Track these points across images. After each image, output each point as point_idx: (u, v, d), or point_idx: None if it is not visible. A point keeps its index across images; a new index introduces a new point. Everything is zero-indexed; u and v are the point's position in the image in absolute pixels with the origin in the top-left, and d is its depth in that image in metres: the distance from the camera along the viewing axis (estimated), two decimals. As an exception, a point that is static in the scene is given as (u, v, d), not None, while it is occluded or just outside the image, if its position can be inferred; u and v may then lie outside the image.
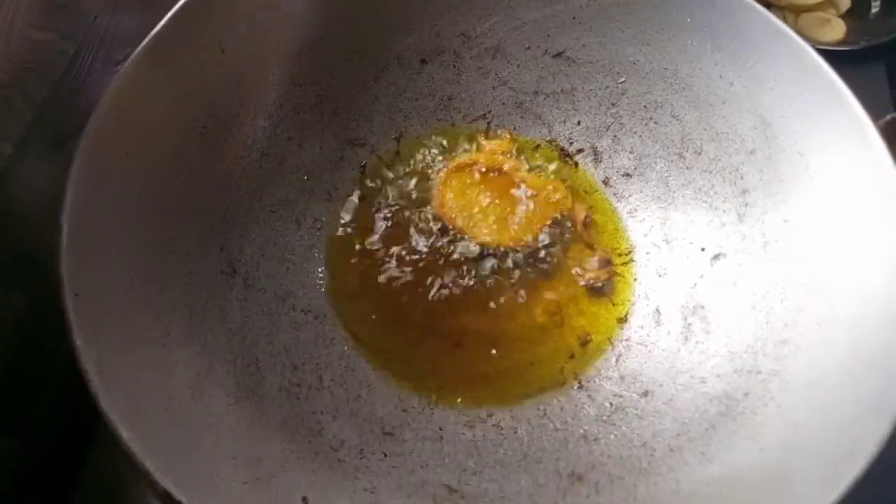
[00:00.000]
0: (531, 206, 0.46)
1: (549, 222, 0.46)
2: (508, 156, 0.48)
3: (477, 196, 0.46)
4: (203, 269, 0.38)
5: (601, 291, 0.45)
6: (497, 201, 0.46)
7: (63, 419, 0.38)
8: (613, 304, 0.44)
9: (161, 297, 0.34)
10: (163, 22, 0.37)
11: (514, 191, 0.47)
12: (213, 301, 0.37)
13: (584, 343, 0.43)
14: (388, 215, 0.46)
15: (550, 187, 0.47)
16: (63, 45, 0.39)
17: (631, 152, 0.48)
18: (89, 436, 0.39)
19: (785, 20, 0.60)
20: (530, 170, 0.48)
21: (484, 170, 0.47)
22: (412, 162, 0.48)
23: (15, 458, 0.35)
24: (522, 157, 0.49)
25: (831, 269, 0.38)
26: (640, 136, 0.48)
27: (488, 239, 0.45)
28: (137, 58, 0.36)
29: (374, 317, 0.42)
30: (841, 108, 0.38)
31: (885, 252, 0.35)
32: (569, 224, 0.46)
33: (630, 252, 0.46)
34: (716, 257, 0.43)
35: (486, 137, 0.49)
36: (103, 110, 0.34)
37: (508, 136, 0.49)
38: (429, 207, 0.46)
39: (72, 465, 0.38)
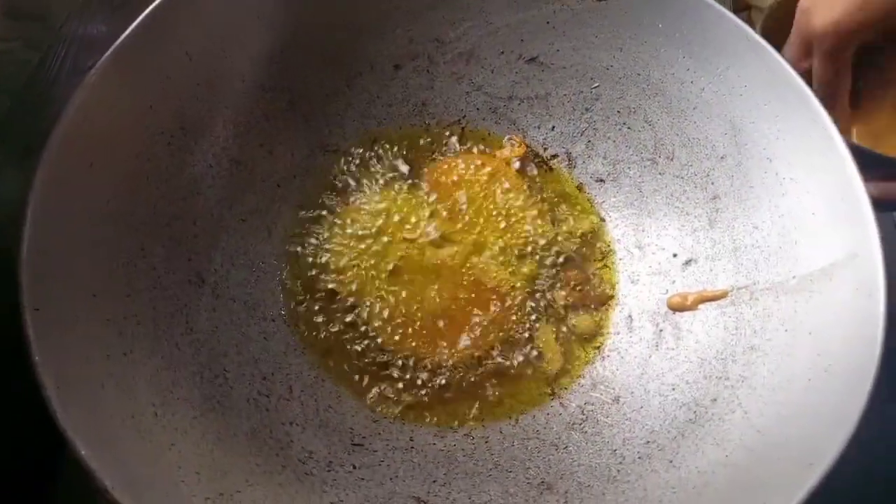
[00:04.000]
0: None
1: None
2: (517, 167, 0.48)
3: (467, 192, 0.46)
4: (170, 281, 0.37)
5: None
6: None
7: (29, 439, 0.38)
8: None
9: (125, 310, 0.34)
10: (128, 31, 0.37)
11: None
12: (180, 313, 0.37)
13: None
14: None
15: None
16: (27, 55, 0.39)
17: (605, 158, 0.48)
18: (59, 455, 0.38)
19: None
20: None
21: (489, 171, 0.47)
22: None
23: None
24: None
25: (798, 275, 0.38)
26: (614, 141, 0.48)
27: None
28: (101, 67, 0.35)
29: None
30: (808, 115, 0.39)
31: (850, 259, 0.36)
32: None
33: (606, 257, 0.46)
34: (687, 263, 0.44)
35: (497, 146, 0.49)
36: (66, 121, 0.34)
37: (518, 142, 0.49)
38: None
39: (41, 484, 0.37)
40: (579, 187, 0.48)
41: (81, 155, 0.34)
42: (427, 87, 0.49)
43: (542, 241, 0.45)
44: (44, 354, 0.28)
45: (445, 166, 0.47)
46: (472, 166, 0.47)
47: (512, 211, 0.46)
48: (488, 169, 0.47)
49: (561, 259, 0.45)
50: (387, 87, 0.48)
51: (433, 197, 0.45)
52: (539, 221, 0.46)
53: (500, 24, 0.48)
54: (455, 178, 0.46)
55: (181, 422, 0.32)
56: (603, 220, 0.47)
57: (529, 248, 0.45)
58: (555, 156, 0.49)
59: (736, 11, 0.59)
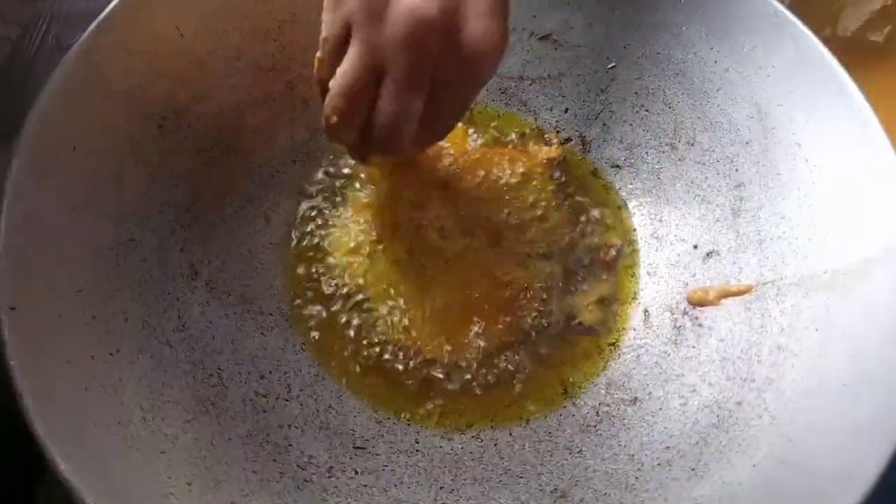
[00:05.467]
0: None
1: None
2: (549, 167, 0.45)
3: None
4: (160, 274, 0.35)
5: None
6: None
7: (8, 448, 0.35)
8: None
9: (111, 307, 0.32)
10: (113, 3, 0.34)
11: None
12: (172, 308, 0.35)
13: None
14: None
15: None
16: (5, 30, 0.36)
17: (621, 142, 0.45)
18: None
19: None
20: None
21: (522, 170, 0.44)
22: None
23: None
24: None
25: (830, 270, 0.35)
26: (631, 124, 0.45)
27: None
28: (84, 44, 0.33)
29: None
30: (841, 98, 0.36)
31: (887, 254, 0.33)
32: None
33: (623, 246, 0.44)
34: (709, 255, 0.41)
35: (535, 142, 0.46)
36: (45, 103, 0.31)
37: (557, 143, 0.46)
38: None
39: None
40: (594, 172, 0.46)
41: (63, 139, 0.32)
42: (433, 66, 0.46)
43: (564, 244, 0.43)
44: (21, 358, 0.26)
45: (470, 158, 0.44)
46: (500, 161, 0.44)
47: (536, 211, 0.43)
48: (517, 166, 0.44)
49: (583, 262, 0.43)
50: (391, 66, 0.46)
51: (450, 188, 0.43)
52: (564, 224, 0.43)
53: (511, -2, 0.45)
54: (480, 171, 0.44)
55: (171, 427, 0.30)
56: (621, 206, 0.44)
57: (551, 250, 0.42)
58: (568, 139, 0.47)
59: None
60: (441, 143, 0.43)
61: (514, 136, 0.46)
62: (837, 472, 0.28)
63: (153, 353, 0.32)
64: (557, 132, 0.47)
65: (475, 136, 0.46)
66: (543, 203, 0.43)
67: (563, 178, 0.45)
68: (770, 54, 0.39)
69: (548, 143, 0.46)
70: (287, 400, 0.36)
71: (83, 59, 0.33)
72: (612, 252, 0.43)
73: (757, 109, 0.40)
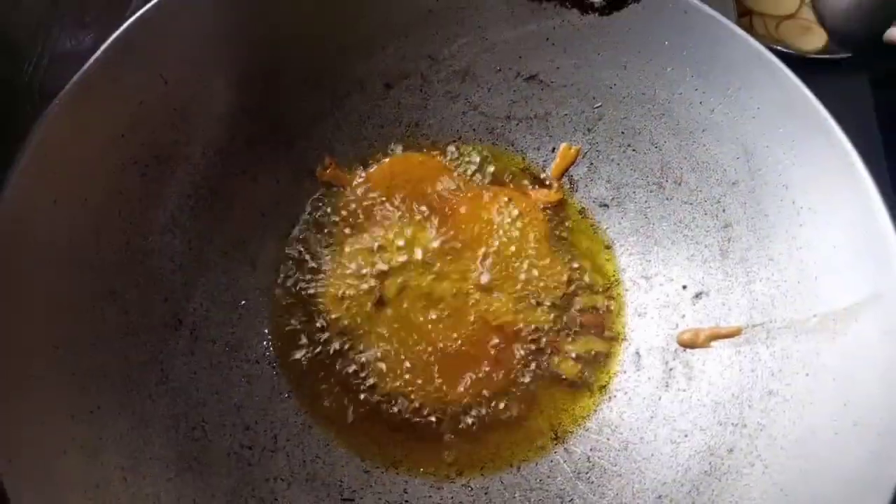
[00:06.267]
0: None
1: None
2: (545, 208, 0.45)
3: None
4: (143, 325, 0.34)
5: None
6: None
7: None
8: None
9: (91, 363, 0.31)
10: (97, 54, 0.34)
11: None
12: (154, 360, 0.34)
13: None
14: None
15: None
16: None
17: (608, 181, 0.45)
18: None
19: (765, 27, 0.58)
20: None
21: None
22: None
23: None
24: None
25: (819, 314, 0.35)
26: (618, 164, 0.45)
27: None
28: (66, 95, 0.33)
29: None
30: (826, 140, 0.36)
31: (876, 296, 0.33)
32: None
33: (610, 288, 0.43)
34: (697, 296, 0.41)
35: (539, 184, 0.46)
36: (27, 157, 0.31)
37: (557, 186, 0.46)
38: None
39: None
40: (581, 212, 0.46)
41: (45, 193, 0.31)
42: (420, 106, 0.46)
43: (557, 290, 0.42)
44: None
45: (468, 198, 0.44)
46: (495, 202, 0.44)
47: (530, 256, 0.43)
48: (512, 207, 0.44)
49: (573, 309, 0.42)
50: (378, 107, 0.46)
51: (445, 229, 0.42)
52: (558, 270, 0.43)
53: (497, 40, 0.45)
54: (474, 211, 0.43)
55: (153, 486, 0.30)
56: (609, 245, 0.44)
57: (543, 296, 0.42)
58: (560, 178, 0.47)
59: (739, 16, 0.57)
60: (434, 180, 0.42)
61: (507, 175, 0.46)
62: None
63: (135, 409, 0.32)
64: (545, 171, 0.47)
65: (468, 175, 0.46)
66: (538, 247, 0.43)
67: (558, 222, 0.45)
68: (755, 96, 0.39)
69: (545, 185, 0.46)
70: (273, 451, 0.35)
71: (65, 112, 0.32)
72: (602, 304, 0.43)
73: (743, 150, 0.40)
